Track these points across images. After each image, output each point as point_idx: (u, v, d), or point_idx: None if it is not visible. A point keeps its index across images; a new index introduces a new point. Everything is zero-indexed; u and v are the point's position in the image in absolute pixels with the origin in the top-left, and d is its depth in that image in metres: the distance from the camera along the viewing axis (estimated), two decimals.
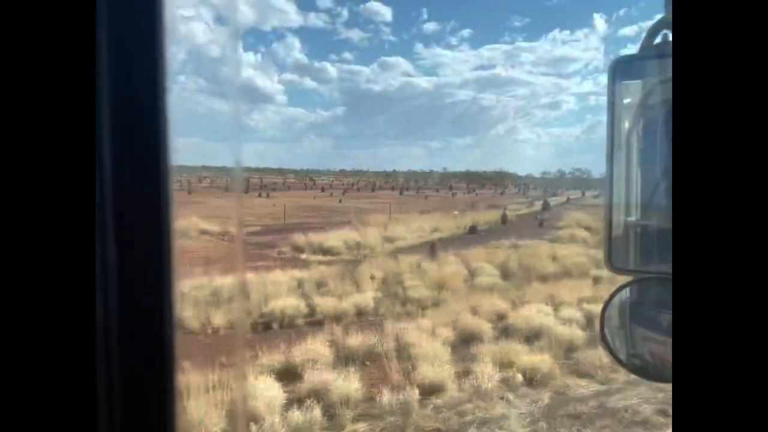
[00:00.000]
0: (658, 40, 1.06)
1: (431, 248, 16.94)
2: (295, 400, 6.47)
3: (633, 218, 1.16)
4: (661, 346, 1.18)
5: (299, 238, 19.13)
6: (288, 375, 7.20)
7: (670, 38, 1.05)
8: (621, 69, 1.11)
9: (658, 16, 1.05)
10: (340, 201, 43.65)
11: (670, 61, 1.07)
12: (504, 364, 7.64)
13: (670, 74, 1.10)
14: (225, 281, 10.77)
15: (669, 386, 0.66)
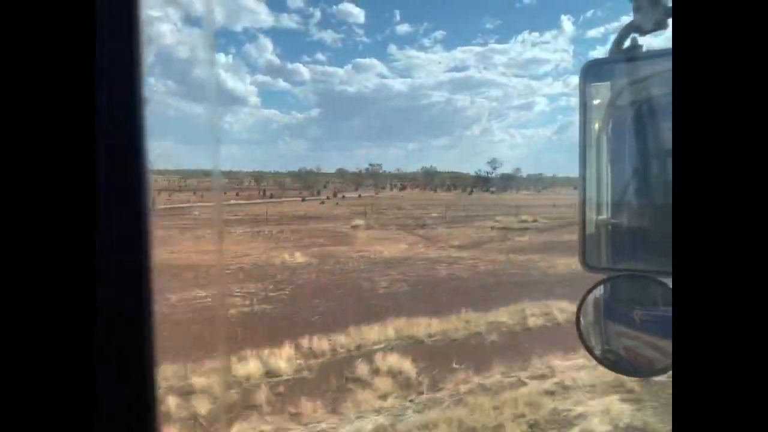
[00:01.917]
0: (627, 43, 1.09)
1: None
2: None
3: (604, 217, 1.19)
4: (634, 342, 1.22)
5: None
6: None
7: (639, 42, 1.08)
8: (592, 71, 1.14)
9: (625, 18, 1.08)
10: None
11: (638, 64, 1.11)
12: None
13: (638, 76, 1.13)
14: None
15: None
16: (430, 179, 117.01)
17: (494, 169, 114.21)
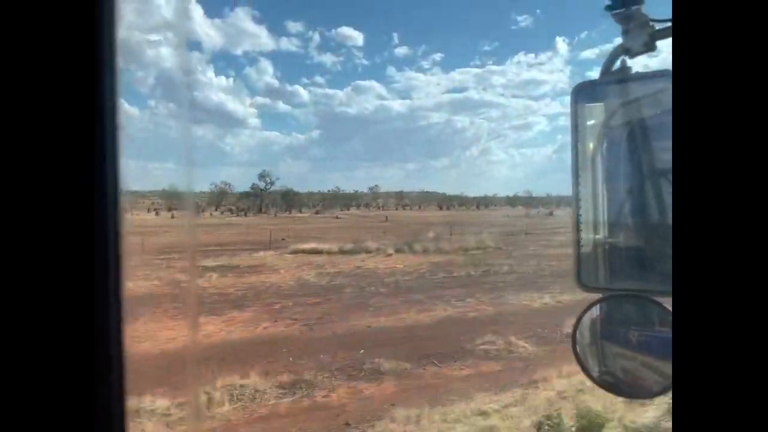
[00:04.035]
0: (616, 65, 1.12)
1: None
2: None
3: (601, 236, 1.19)
4: (631, 363, 1.20)
5: None
6: None
7: (628, 64, 1.10)
8: (583, 93, 1.16)
9: (619, 39, 1.10)
10: None
11: (629, 85, 1.13)
12: None
13: (630, 97, 1.15)
14: None
15: None
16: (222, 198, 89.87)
17: (268, 184, 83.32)
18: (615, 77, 1.11)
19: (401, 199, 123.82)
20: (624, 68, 1.10)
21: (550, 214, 73.53)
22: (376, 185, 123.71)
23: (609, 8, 1.10)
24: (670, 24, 1.05)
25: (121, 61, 0.50)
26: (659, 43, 1.07)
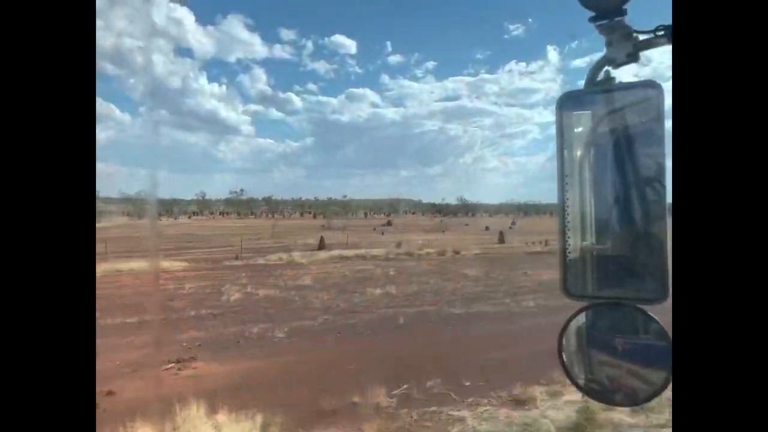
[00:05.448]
0: (601, 76, 1.14)
1: None
2: None
3: (588, 244, 1.20)
4: (618, 371, 1.21)
5: None
6: None
7: (612, 75, 1.13)
8: (568, 102, 1.18)
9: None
10: None
11: (614, 95, 1.15)
12: None
13: (615, 106, 1.17)
14: None
15: None
16: None
17: None
18: (599, 87, 1.13)
19: (270, 205, 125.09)
20: (608, 78, 1.12)
21: (439, 222, 76.61)
22: (242, 189, 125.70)
23: (593, 20, 1.13)
24: (653, 35, 1.08)
25: (98, 68, 0.51)
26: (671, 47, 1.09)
